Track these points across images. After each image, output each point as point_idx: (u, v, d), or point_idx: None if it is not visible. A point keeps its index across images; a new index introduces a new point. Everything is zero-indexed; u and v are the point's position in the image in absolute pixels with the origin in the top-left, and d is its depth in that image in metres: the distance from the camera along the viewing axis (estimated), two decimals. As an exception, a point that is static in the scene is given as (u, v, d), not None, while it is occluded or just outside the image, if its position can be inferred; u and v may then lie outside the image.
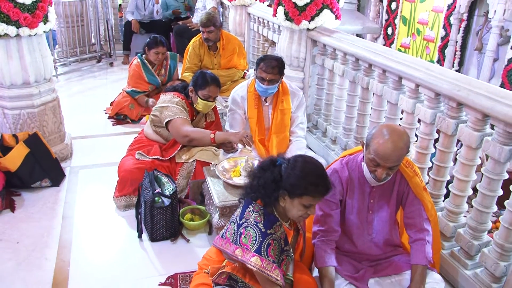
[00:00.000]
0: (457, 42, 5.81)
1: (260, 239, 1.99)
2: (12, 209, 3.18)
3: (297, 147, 3.53)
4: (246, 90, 3.51)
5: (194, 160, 3.29)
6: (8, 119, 3.56)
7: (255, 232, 2.01)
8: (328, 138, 4.01)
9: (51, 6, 3.60)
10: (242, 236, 2.03)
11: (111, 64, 7.25)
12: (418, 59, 2.96)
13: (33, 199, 3.33)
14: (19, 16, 3.27)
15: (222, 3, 7.11)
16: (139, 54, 4.89)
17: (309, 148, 3.97)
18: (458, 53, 5.84)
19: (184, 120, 3.29)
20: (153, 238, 2.89)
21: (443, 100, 2.58)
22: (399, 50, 6.80)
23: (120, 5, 8.23)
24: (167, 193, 2.89)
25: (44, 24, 3.49)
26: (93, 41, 7.57)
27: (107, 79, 6.57)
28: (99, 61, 7.39)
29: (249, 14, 5.93)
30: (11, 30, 3.28)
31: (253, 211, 2.06)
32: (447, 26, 5.95)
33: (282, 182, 2.00)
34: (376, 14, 7.46)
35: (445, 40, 6.00)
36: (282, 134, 3.54)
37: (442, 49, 6.08)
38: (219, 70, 5.17)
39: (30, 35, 3.43)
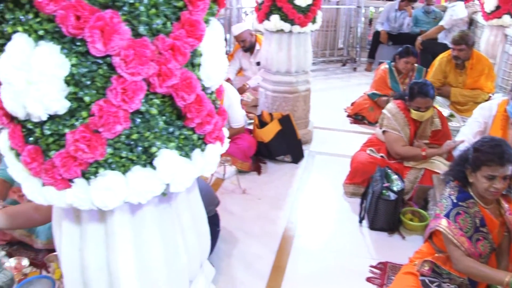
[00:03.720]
0: None
1: (450, 206, 2.21)
2: (259, 172, 3.84)
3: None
4: (495, 109, 3.48)
5: (423, 168, 3.44)
6: (268, 99, 4.24)
7: (447, 202, 2.24)
8: None
9: (319, 9, 4.12)
10: (437, 208, 2.29)
11: (355, 69, 7.70)
12: None
13: (275, 169, 3.93)
14: (295, 16, 3.85)
15: (475, 21, 6.90)
16: (389, 61, 5.16)
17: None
18: None
19: (397, 137, 3.49)
20: (372, 226, 3.14)
21: None
22: None
23: (371, 17, 8.61)
24: (394, 189, 3.10)
25: (312, 24, 4.03)
26: (341, 46, 8.15)
27: (349, 82, 7.04)
28: (343, 65, 7.93)
29: (506, 35, 5.67)
30: (286, 26, 3.89)
31: (449, 188, 2.29)
32: None
33: (468, 160, 2.20)
34: None
35: None
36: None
37: None
38: (463, 89, 5.12)
39: (299, 33, 4.01)
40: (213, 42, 1.14)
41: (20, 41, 0.96)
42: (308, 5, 3.88)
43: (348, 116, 5.35)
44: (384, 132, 3.59)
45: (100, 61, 0.96)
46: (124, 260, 1.24)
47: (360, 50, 7.91)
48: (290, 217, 3.26)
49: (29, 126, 1.04)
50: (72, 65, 0.95)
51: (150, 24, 0.98)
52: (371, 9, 8.46)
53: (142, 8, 0.95)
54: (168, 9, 1.01)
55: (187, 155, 1.16)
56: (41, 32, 0.95)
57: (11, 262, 2.58)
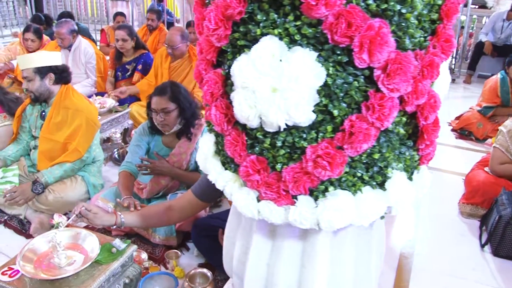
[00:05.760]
0: None
1: None
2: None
3: None
4: None
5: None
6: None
7: None
8: None
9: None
10: None
11: (453, 80, 7.32)
12: None
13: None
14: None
15: None
16: (503, 71, 4.84)
17: None
18: None
19: (501, 155, 3.29)
20: (496, 253, 2.93)
21: None
22: None
23: (472, 26, 8.18)
24: (525, 215, 2.88)
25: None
26: (438, 55, 7.80)
27: (447, 94, 6.70)
28: (441, 76, 7.58)
29: None
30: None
31: None
32: None
33: None
34: None
35: None
36: None
37: None
38: None
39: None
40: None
41: (270, 44, 0.89)
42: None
43: (453, 130, 5.08)
44: (494, 147, 3.38)
45: (358, 72, 0.88)
46: (319, 280, 1.17)
47: (460, 60, 7.53)
48: (406, 233, 3.12)
49: (258, 135, 0.98)
50: (328, 75, 0.88)
51: (412, 37, 0.89)
52: (473, 17, 8.03)
53: (412, 20, 0.86)
54: (426, 22, 0.92)
55: (408, 177, 1.07)
56: (296, 37, 0.88)
57: (131, 254, 2.62)
